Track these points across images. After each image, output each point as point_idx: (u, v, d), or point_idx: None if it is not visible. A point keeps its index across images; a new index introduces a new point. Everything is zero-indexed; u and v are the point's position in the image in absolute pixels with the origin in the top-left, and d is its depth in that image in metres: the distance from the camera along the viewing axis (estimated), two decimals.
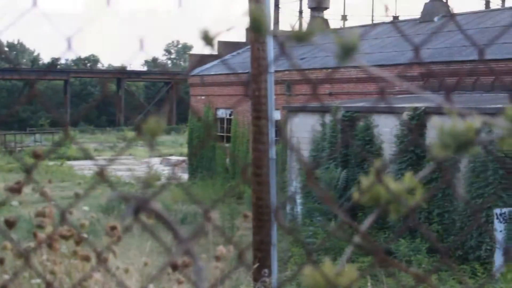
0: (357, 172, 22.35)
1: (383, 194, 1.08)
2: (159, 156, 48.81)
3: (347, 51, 1.02)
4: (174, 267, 3.49)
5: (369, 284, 14.22)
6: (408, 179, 1.10)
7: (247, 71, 29.70)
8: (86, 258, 3.67)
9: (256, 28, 1.00)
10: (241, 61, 37.88)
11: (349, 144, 22.77)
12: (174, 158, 48.56)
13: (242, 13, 1.01)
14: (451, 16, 33.03)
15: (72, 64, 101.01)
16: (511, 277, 15.60)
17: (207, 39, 1.03)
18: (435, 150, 1.06)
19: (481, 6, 56.14)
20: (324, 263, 1.14)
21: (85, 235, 4.11)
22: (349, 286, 1.06)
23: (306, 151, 24.42)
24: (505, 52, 25.03)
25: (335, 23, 67.57)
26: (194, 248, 1.16)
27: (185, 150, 45.47)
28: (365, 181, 1.10)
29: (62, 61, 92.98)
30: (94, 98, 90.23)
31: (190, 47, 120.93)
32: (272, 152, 14.29)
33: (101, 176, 1.33)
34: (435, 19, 33.09)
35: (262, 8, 1.00)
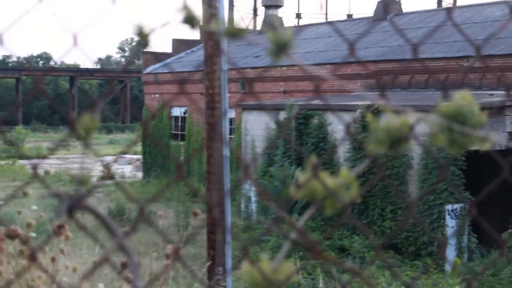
0: None
1: (319, 189, 1.09)
2: (114, 155, 48.45)
3: (280, 48, 1.01)
4: (124, 266, 3.46)
5: (320, 280, 14.31)
6: (344, 175, 1.10)
7: (201, 69, 29.66)
8: (33, 258, 3.63)
9: (188, 22, 0.99)
10: (195, 59, 37.79)
11: (303, 142, 22.87)
12: (128, 156, 48.26)
13: (176, 9, 1.00)
14: (402, 14, 33.37)
15: (24, 62, 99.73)
16: (458, 272, 15.82)
17: (142, 35, 1.02)
18: (370, 146, 1.07)
19: (433, 5, 56.81)
20: (262, 259, 1.14)
21: (33, 234, 4.06)
22: (285, 282, 1.06)
23: (260, 149, 24.45)
24: (455, 50, 25.37)
25: (289, 21, 67.75)
26: (128, 244, 1.15)
27: (139, 148, 45.19)
28: (301, 176, 1.10)
29: (14, 59, 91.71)
30: (46, 96, 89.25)
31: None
32: (226, 150, 14.27)
33: (34, 173, 1.31)
34: (388, 17, 33.39)
35: (193, 3, 0.99)
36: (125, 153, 49.27)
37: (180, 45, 41.05)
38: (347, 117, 21.12)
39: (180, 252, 3.75)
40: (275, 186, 21.38)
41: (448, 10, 33.23)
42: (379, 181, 20.25)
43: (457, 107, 1.02)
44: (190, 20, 0.99)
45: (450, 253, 18.66)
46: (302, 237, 1.12)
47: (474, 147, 1.04)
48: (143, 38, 1.02)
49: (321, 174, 1.10)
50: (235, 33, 0.98)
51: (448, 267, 18.20)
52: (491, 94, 21.81)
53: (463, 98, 1.04)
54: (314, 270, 16.89)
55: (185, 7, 0.99)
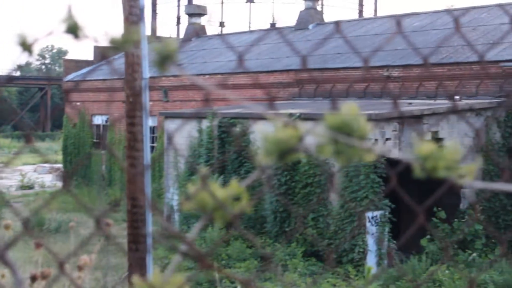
0: (234, 178, 22.47)
1: (209, 201, 1.08)
2: (33, 163, 47.51)
3: (164, 59, 1.01)
4: (33, 279, 3.39)
5: None
6: (234, 186, 1.10)
7: (122, 77, 29.37)
8: None
9: (72, 31, 0.98)
10: (117, 67, 37.42)
11: (226, 150, 22.88)
12: (48, 165, 47.40)
13: (60, 18, 0.98)
14: (324, 24, 33.78)
15: None
16: (371, 277, 16.06)
17: (24, 45, 1.00)
18: (260, 157, 1.07)
19: (355, 15, 57.67)
20: (154, 271, 1.13)
21: None
22: None
23: (182, 158, 24.36)
24: (376, 60, 25.81)
25: (213, 29, 67.82)
26: (10, 258, 1.12)
27: (60, 157, 44.43)
28: (191, 188, 1.09)
29: None
30: None
31: (65, 52, 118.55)
32: (147, 158, 14.13)
33: None
34: (310, 26, 33.76)
35: (76, 13, 0.97)
36: (45, 162, 48.39)
37: (102, 52, 40.59)
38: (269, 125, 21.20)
39: (91, 262, 3.70)
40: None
41: (397, 19, 33.82)
42: (301, 189, 20.42)
43: (343, 118, 1.03)
44: (73, 29, 0.97)
45: (371, 259, 18.92)
46: (191, 249, 1.11)
47: (360, 158, 1.05)
48: (25, 48, 1.00)
49: (211, 185, 1.10)
50: (118, 45, 0.96)
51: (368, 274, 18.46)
52: (410, 103, 22.27)
53: (349, 109, 1.05)
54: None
55: (69, 17, 0.97)
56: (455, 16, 27.57)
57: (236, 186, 1.10)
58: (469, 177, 0.99)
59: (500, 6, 26.86)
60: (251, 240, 20.21)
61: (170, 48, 0.99)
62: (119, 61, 38.06)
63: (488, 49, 23.20)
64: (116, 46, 0.97)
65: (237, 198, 1.09)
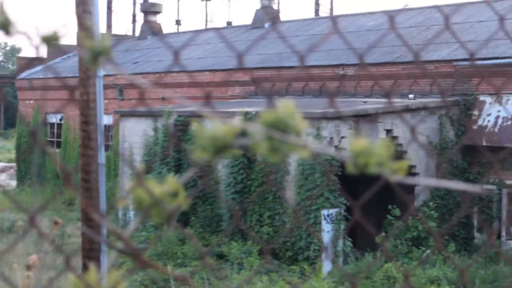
0: (190, 177, 22.41)
1: (145, 198, 1.08)
2: None
3: (96, 55, 1.00)
4: None
5: None
6: (170, 183, 1.09)
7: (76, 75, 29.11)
8: None
9: (2, 27, 0.96)
10: (72, 64, 37.04)
11: (181, 149, 22.82)
12: (1, 164, 46.77)
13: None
14: (278, 23, 33.86)
15: None
16: (322, 275, 16.17)
17: None
18: (195, 153, 1.07)
19: (311, 14, 57.90)
20: (89, 269, 1.12)
21: None
22: None
23: (138, 156, 24.22)
24: (331, 58, 25.96)
25: (169, 27, 67.54)
26: None
27: (13, 156, 43.86)
28: (128, 184, 1.09)
29: None
30: None
31: (18, 50, 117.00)
32: (101, 157, 14.03)
33: None
34: (266, 25, 33.82)
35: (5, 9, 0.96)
36: None
37: (56, 50, 40.15)
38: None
39: (38, 261, 3.66)
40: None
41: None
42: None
43: (278, 115, 1.03)
44: (4, 25, 0.96)
45: (326, 257, 19.04)
46: (127, 246, 1.11)
47: (295, 154, 1.06)
48: None
49: (147, 182, 1.09)
50: (48, 40, 0.95)
51: (324, 272, 18.57)
52: (365, 102, 22.44)
53: (285, 106, 1.05)
54: (192, 277, 16.83)
55: (1, 12, 0.96)
56: (411, 15, 27.87)
57: (172, 182, 1.10)
58: (400, 173, 1.01)
59: (453, 6, 27.20)
60: (206, 238, 20.20)
61: (103, 44, 0.99)
62: (74, 59, 37.66)
63: (440, 48, 23.49)
64: (48, 42, 0.96)
65: (174, 195, 1.09)
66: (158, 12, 40.75)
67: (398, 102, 21.95)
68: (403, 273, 16.82)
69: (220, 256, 19.48)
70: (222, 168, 21.53)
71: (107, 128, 31.13)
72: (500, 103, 21.51)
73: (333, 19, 32.82)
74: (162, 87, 30.61)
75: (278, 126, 1.02)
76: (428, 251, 19.13)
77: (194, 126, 1.06)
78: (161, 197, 1.06)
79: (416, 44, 24.20)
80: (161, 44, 36.13)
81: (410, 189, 21.18)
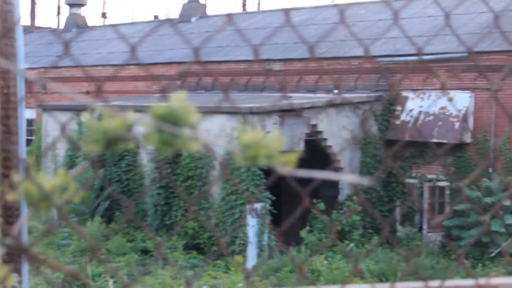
0: (114, 171, 22.22)
1: (34, 191, 1.05)
2: None
3: None
4: None
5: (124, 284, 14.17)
6: (61, 176, 1.07)
7: None
8: None
9: None
10: None
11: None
12: None
13: None
14: (206, 17, 33.80)
15: None
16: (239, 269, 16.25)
17: None
18: (86, 146, 1.05)
19: (238, 8, 57.94)
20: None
21: None
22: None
23: (62, 151, 23.85)
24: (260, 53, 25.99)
25: (94, 20, 66.67)
26: None
27: None
28: (15, 177, 1.06)
29: None
30: None
31: None
32: (23, 152, 13.76)
33: None
34: (193, 19, 33.68)
35: None
36: None
37: None
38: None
39: None
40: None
41: (284, 12, 34.04)
42: (183, 182, 20.39)
43: (170, 108, 1.02)
44: None
45: (251, 251, 19.11)
46: (15, 241, 1.08)
47: (186, 147, 1.05)
48: None
49: (37, 175, 1.07)
50: None
51: (248, 266, 18.65)
52: (291, 97, 22.58)
53: (177, 99, 1.04)
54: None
55: None
56: (336, 11, 28.13)
57: (63, 176, 1.08)
58: (290, 165, 1.01)
59: (378, 2, 27.60)
60: (131, 234, 20.05)
61: None
62: None
63: (367, 44, 23.80)
64: None
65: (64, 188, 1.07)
66: (83, 5, 40.18)
67: (323, 97, 22.18)
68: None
69: (145, 252, 19.36)
70: (147, 163, 21.38)
71: (30, 122, 30.56)
72: (422, 98, 21.94)
73: (261, 14, 32.92)
74: (87, 81, 30.23)
75: (169, 119, 1.02)
76: (351, 244, 19.40)
77: (86, 118, 1.04)
78: (51, 190, 1.04)
79: (341, 40, 24.47)
80: (86, 37, 35.64)
81: (334, 183, 21.42)
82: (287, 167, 1.00)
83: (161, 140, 1.01)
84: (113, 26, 39.00)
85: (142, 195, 21.57)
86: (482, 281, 1.36)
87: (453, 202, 20.88)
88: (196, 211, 20.09)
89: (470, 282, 1.37)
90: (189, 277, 1.22)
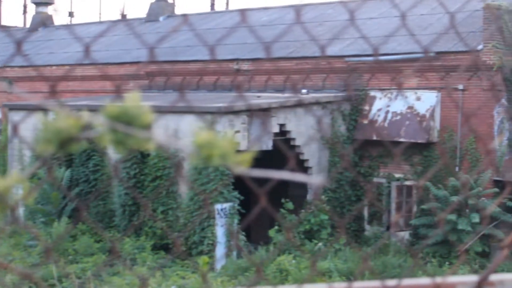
0: (82, 172, 22.07)
1: None
2: None
3: None
4: None
5: (91, 284, 14.08)
6: (14, 176, 1.06)
7: None
8: None
9: None
10: None
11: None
12: None
13: None
14: (179, 16, 33.69)
15: None
16: (206, 268, 16.23)
17: None
18: (39, 146, 1.03)
19: (207, 8, 57.86)
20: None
21: None
22: None
23: (28, 151, 23.63)
24: (226, 53, 26.01)
25: (61, 19, 66.13)
26: None
27: None
28: None
29: None
30: None
31: None
32: None
33: None
34: (161, 18, 33.56)
35: None
36: None
37: None
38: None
39: None
40: (44, 189, 20.78)
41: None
42: (151, 182, 20.31)
43: (123, 108, 1.01)
44: None
45: (220, 251, 19.09)
46: None
47: (140, 147, 1.04)
48: None
49: None
50: None
51: (217, 266, 18.62)
52: (259, 96, 22.60)
53: (131, 99, 1.03)
54: (84, 273, 16.57)
55: None
56: (305, 10, 28.20)
57: (16, 176, 1.06)
58: (244, 165, 1.00)
59: (343, 3, 27.70)
60: (99, 234, 19.90)
61: None
62: None
63: (333, 44, 23.89)
64: None
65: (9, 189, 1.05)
66: (50, 3, 39.84)
67: (291, 97, 22.21)
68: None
69: (113, 252, 19.25)
70: (115, 163, 21.26)
71: None
72: (390, 98, 22.07)
73: (229, 13, 32.89)
74: (53, 80, 29.98)
75: (122, 118, 1.01)
76: (320, 243, 19.45)
77: (39, 118, 1.02)
78: (2, 191, 1.03)
79: (309, 40, 24.53)
80: (53, 36, 35.36)
81: (303, 183, 21.48)
82: (241, 166, 0.99)
83: (114, 140, 1.00)
84: (67, 26, 38.71)
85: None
86: (439, 279, 1.36)
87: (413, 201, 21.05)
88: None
89: (427, 280, 1.38)
90: (142, 277, 1.20)
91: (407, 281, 1.38)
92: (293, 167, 1.23)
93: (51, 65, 31.10)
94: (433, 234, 18.92)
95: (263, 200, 1.29)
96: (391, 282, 1.41)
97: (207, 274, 13.80)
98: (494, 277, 1.48)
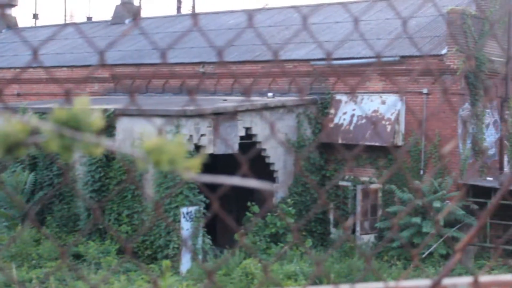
0: (46, 175, 21.87)
1: None
2: None
3: None
4: None
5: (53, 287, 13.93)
6: None
7: None
8: None
9: None
10: None
11: (37, 147, 22.16)
12: None
13: None
14: (139, 20, 33.54)
15: None
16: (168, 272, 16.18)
17: None
18: None
19: (173, 11, 57.70)
20: None
21: None
22: None
23: None
24: (192, 56, 25.96)
25: (25, 21, 65.53)
26: None
27: None
28: None
29: None
30: None
31: None
32: None
33: None
34: (126, 21, 33.40)
35: None
36: None
37: None
38: None
39: None
40: (7, 193, 20.55)
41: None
42: (116, 186, 20.18)
43: (71, 112, 1.00)
44: None
45: (186, 255, 19.02)
46: None
47: (89, 152, 1.03)
48: None
49: None
50: None
51: (183, 269, 18.56)
52: (225, 100, 22.57)
53: (79, 103, 1.02)
54: (47, 278, 16.41)
55: None
56: (270, 14, 28.26)
57: None
58: (194, 170, 0.99)
59: (311, 6, 27.79)
60: (63, 238, 19.73)
61: None
62: None
63: (299, 47, 23.95)
64: None
65: None
66: (14, 5, 39.45)
67: (257, 100, 22.22)
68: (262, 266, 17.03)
69: (77, 256, 19.08)
70: (80, 166, 21.09)
71: None
72: (355, 102, 22.18)
73: (194, 16, 32.80)
74: (18, 83, 29.68)
75: (70, 123, 0.99)
76: (286, 247, 19.47)
77: None
78: None
79: (275, 43, 24.58)
80: (17, 38, 34.99)
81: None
82: (190, 172, 0.98)
83: (61, 145, 0.99)
84: (15, 30, 38.31)
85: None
86: (391, 284, 1.36)
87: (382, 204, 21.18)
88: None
89: (379, 285, 1.38)
90: (94, 284, 1.19)
91: (360, 286, 1.38)
92: (246, 172, 1.22)
93: (14, 68, 30.78)
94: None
95: (216, 205, 1.28)
96: (344, 286, 1.41)
97: (157, 280, 13.70)
98: (447, 281, 1.48)
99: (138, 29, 31.25)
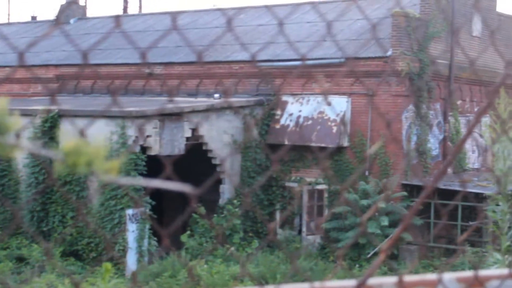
0: None
1: None
2: None
3: None
4: None
5: None
6: None
7: None
8: None
9: None
10: None
11: None
12: None
13: None
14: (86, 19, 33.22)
15: None
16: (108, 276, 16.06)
17: None
18: None
19: (119, 11, 57.15)
20: None
21: None
22: None
23: None
24: (138, 57, 25.77)
25: None
26: None
27: None
28: None
29: None
30: None
31: None
32: None
33: None
34: (71, 21, 33.02)
35: None
36: None
37: None
38: (27, 121, 20.48)
39: None
40: None
41: (171, 16, 33.69)
42: (59, 188, 19.94)
43: None
44: None
45: (131, 257, 18.88)
46: None
47: (6, 154, 1.01)
48: None
49: None
50: None
51: (128, 272, 18.43)
52: (171, 100, 22.48)
53: None
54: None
55: None
56: (217, 15, 28.22)
57: None
58: (112, 173, 0.98)
59: (259, 8, 27.85)
60: (5, 241, 19.41)
61: None
62: None
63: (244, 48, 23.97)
64: None
65: None
66: None
67: (204, 101, 22.19)
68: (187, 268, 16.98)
69: (20, 259, 18.80)
70: (23, 168, 20.78)
71: None
72: (301, 103, 22.28)
73: (141, 17, 32.61)
74: None
75: None
76: (232, 248, 19.47)
77: None
78: None
79: (222, 45, 24.54)
80: None
81: (215, 187, 21.47)
82: (109, 174, 0.97)
83: None
84: None
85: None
86: (317, 285, 1.37)
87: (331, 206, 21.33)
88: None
89: (305, 286, 1.39)
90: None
91: (285, 286, 1.38)
92: (170, 174, 1.22)
93: None
94: (351, 236, 19.21)
95: (138, 205, 1.27)
96: (270, 286, 1.41)
97: (79, 283, 13.58)
98: (373, 281, 1.50)
99: (83, 29, 30.96)
